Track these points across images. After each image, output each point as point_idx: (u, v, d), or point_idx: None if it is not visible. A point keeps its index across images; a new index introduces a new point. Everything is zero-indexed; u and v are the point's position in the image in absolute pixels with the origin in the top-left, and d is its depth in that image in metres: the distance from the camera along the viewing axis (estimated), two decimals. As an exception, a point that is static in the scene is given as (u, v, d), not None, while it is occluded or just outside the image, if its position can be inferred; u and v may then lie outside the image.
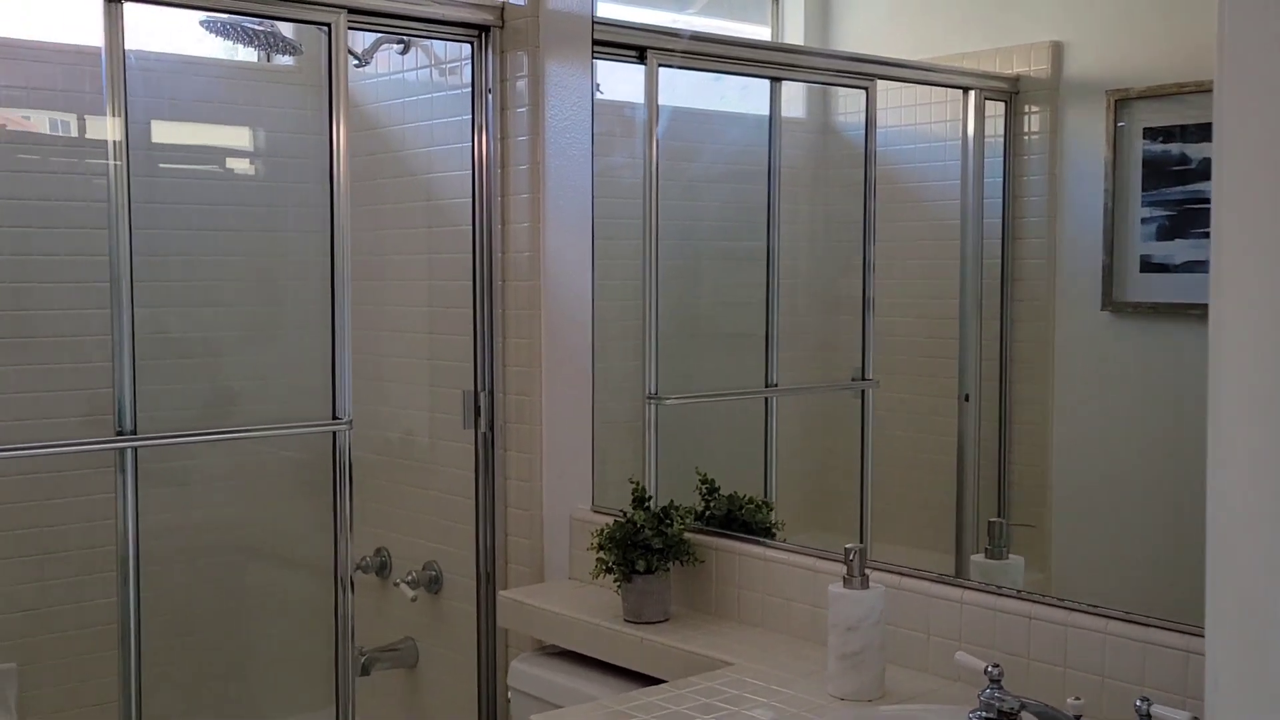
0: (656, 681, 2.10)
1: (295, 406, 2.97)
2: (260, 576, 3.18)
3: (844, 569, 1.89)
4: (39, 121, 2.94)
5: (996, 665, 1.71)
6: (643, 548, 2.27)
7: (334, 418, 2.52)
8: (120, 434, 2.37)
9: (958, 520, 2.22)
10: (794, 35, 2.57)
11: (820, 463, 2.60)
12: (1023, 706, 1.57)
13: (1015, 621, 1.86)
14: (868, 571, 1.89)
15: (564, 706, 2.05)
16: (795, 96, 2.67)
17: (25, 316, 2.89)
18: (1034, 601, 1.85)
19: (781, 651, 2.10)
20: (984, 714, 1.70)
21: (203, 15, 2.73)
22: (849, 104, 2.56)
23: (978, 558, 2.07)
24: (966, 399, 2.27)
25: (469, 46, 2.74)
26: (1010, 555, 2.05)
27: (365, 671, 2.96)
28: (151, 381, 2.87)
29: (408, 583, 2.95)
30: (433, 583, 2.96)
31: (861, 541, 2.30)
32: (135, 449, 2.41)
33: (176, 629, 2.98)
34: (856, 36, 2.45)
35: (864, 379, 2.40)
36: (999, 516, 2.14)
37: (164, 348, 3.03)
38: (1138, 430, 1.95)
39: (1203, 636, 1.65)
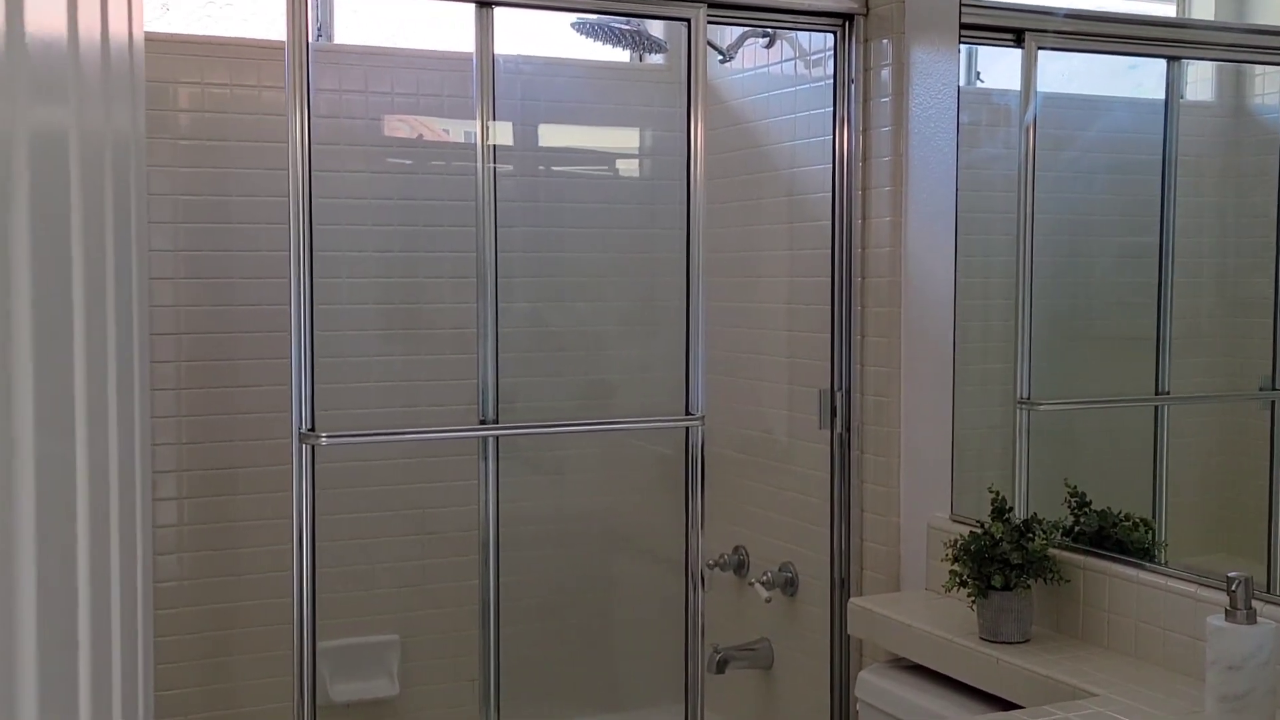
0: (1012, 706, 1.95)
1: (660, 401, 2.99)
2: (619, 567, 3.25)
3: (1226, 600, 1.68)
4: (433, 126, 3.12)
5: None
6: (1000, 562, 2.12)
7: (687, 413, 2.52)
8: (483, 423, 2.47)
9: None
10: (1203, 10, 2.33)
11: (1219, 480, 2.33)
12: None
13: None
14: (1255, 605, 1.67)
15: (907, 724, 1.94)
16: (1201, 77, 2.42)
17: (415, 310, 3.08)
18: None
19: (1154, 685, 1.90)
20: (1396, 780, 1.46)
21: (574, 18, 2.80)
22: (1268, 84, 2.29)
23: (1396, 596, 1.79)
24: None
25: (832, 36, 2.67)
26: None
27: (720, 669, 2.95)
28: (523, 373, 3.00)
29: (763, 583, 2.91)
30: (788, 585, 2.91)
31: (1270, 572, 2.04)
32: (497, 437, 2.51)
33: (536, 613, 3.09)
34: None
35: (1274, 389, 2.13)
36: None
37: (538, 341, 3.15)
38: None
39: None
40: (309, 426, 2.23)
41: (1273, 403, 2.12)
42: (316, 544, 2.29)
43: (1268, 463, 2.13)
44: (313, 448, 2.24)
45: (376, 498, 3.04)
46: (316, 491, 2.30)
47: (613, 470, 3.24)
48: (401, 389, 3.06)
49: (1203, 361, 2.34)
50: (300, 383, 2.22)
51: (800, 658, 2.89)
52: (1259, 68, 2.29)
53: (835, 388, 2.70)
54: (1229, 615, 1.67)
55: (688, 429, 2.55)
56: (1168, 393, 2.35)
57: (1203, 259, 2.36)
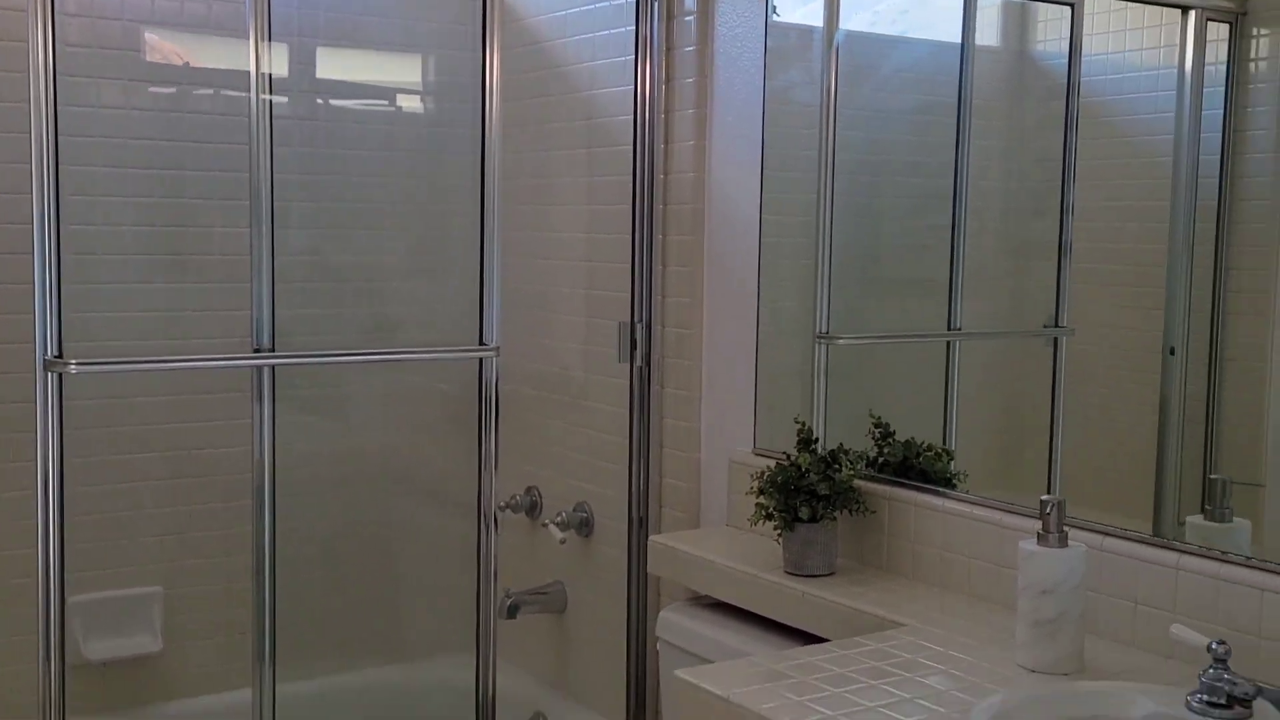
0: (818, 640, 1.89)
1: (450, 337, 2.84)
2: (405, 511, 3.08)
3: (1038, 525, 1.65)
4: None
5: (1222, 642, 1.45)
6: (807, 494, 2.06)
7: (480, 343, 2.38)
8: (258, 351, 2.27)
9: (1158, 483, 1.95)
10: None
11: (1006, 414, 2.35)
12: (1259, 692, 1.31)
13: (1243, 594, 1.60)
14: (1067, 528, 1.64)
15: (714, 662, 1.86)
16: (990, 22, 2.41)
17: (181, 234, 2.82)
18: (1270, 571, 1.59)
19: (961, 614, 1.87)
20: (1206, 698, 1.45)
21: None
22: (1050, 30, 2.28)
23: (1195, 519, 1.80)
24: (1172, 352, 2.00)
25: (633, -50, 2.54)
26: (1235, 519, 1.78)
27: (511, 614, 2.83)
28: (301, 305, 2.79)
29: (557, 524, 2.80)
30: (583, 525, 2.81)
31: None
32: (272, 369, 2.31)
33: (314, 561, 2.89)
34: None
35: (1057, 326, 2.14)
36: (1217, 474, 1.86)
37: (318, 272, 2.94)
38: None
39: None
40: (55, 353, 1.99)
41: (1056, 340, 2.14)
42: (66, 487, 2.06)
43: (1049, 398, 2.15)
44: (60, 377, 2.00)
45: (138, 438, 2.79)
46: (68, 431, 2.06)
47: (398, 410, 3.06)
48: (166, 320, 2.80)
49: (992, 301, 2.35)
50: (45, 304, 1.97)
51: (596, 600, 2.80)
52: (1040, 13, 2.29)
53: (635, 320, 2.60)
54: (1041, 539, 1.64)
55: (481, 360, 2.40)
56: (959, 329, 2.35)
57: (993, 201, 2.36)
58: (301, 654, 2.69)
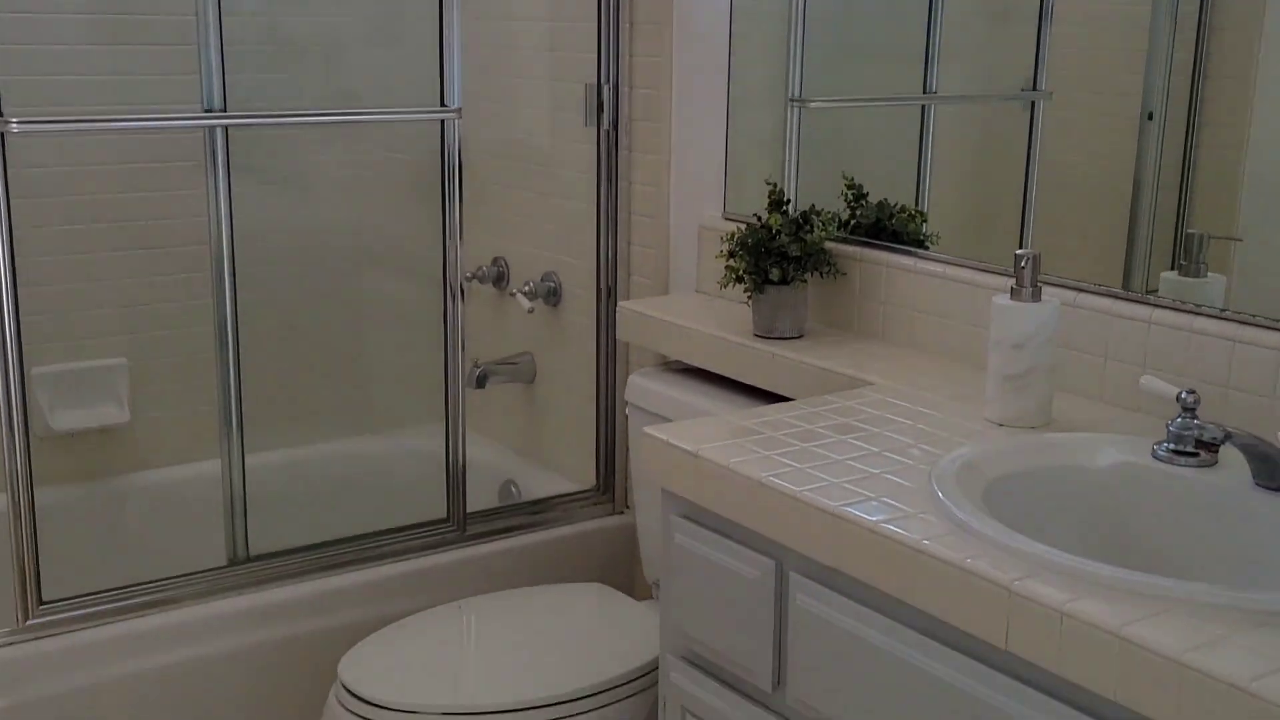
0: (786, 400, 1.89)
1: (410, 104, 2.73)
2: (370, 283, 3.03)
3: (1011, 281, 1.63)
4: None
5: (1192, 391, 1.45)
6: (778, 255, 2.02)
7: (441, 105, 2.29)
8: (209, 112, 2.18)
9: (1130, 241, 1.92)
10: None
11: (980, 178, 2.30)
12: (1227, 436, 1.31)
13: (1215, 345, 1.59)
14: (1041, 283, 1.62)
15: (684, 421, 1.85)
16: None
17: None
18: (1240, 323, 1.57)
19: (932, 373, 1.86)
20: (1173, 446, 1.45)
21: None
22: None
23: (1169, 275, 1.78)
24: (1150, 117, 1.94)
25: None
26: (1209, 274, 1.76)
27: (480, 384, 2.83)
28: (253, 70, 2.68)
29: (525, 293, 2.77)
30: (551, 294, 2.78)
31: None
32: (226, 131, 2.22)
33: (279, 333, 2.85)
34: None
35: (1035, 90, 2.07)
36: (1193, 229, 1.83)
37: (269, 36, 2.82)
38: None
39: None
40: (-4, 112, 1.90)
41: (1033, 104, 2.07)
42: (19, 256, 2.00)
43: (1024, 160, 2.10)
44: (2, 136, 1.92)
45: (92, 208, 2.71)
46: (18, 199, 1.98)
47: (359, 181, 2.98)
48: (113, 85, 2.69)
49: (969, 66, 2.27)
50: (-20, 58, 1.87)
51: (565, 369, 2.79)
52: None
53: (602, 81, 2.51)
54: (1014, 294, 1.62)
55: (443, 123, 2.32)
56: (935, 92, 2.28)
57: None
58: (270, 425, 2.68)
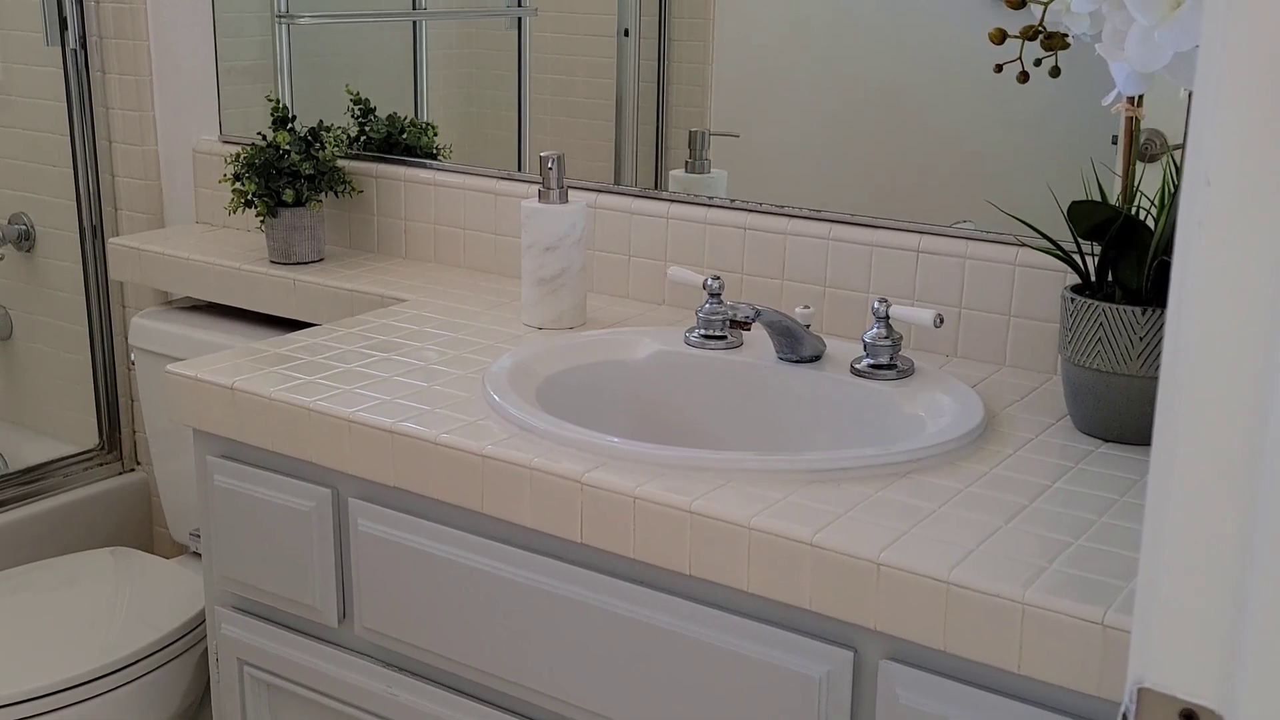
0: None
1: None
2: None
3: (538, 184, 1.63)
4: None
5: (716, 277, 1.53)
6: (289, 175, 1.91)
7: None
8: None
9: (617, 150, 2.00)
10: None
11: (475, 95, 2.29)
12: (758, 314, 1.39)
13: (728, 235, 1.67)
14: (567, 183, 1.63)
15: (206, 358, 1.71)
16: None
17: None
18: (748, 210, 1.67)
19: (463, 286, 1.84)
20: (703, 331, 1.52)
21: None
22: None
23: (678, 172, 1.85)
24: (626, 34, 2.02)
25: None
26: (714, 170, 1.85)
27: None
28: None
29: (-9, 239, 2.45)
30: (23, 239, 2.47)
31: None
32: None
33: None
34: None
35: (520, 6, 2.09)
36: (699, 128, 1.92)
37: None
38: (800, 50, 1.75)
39: (932, 234, 1.53)
40: None
41: (520, 20, 2.10)
42: None
43: (516, 75, 2.12)
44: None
45: None
46: None
47: None
48: None
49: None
50: None
51: (48, 320, 2.50)
52: None
53: (66, -7, 2.24)
54: (542, 196, 1.62)
55: None
56: (424, 9, 2.24)
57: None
58: None
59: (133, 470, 2.46)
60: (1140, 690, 0.61)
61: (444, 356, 1.51)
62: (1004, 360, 1.51)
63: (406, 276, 1.88)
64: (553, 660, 1.24)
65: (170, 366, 1.48)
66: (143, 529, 2.43)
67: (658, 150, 1.92)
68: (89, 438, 2.44)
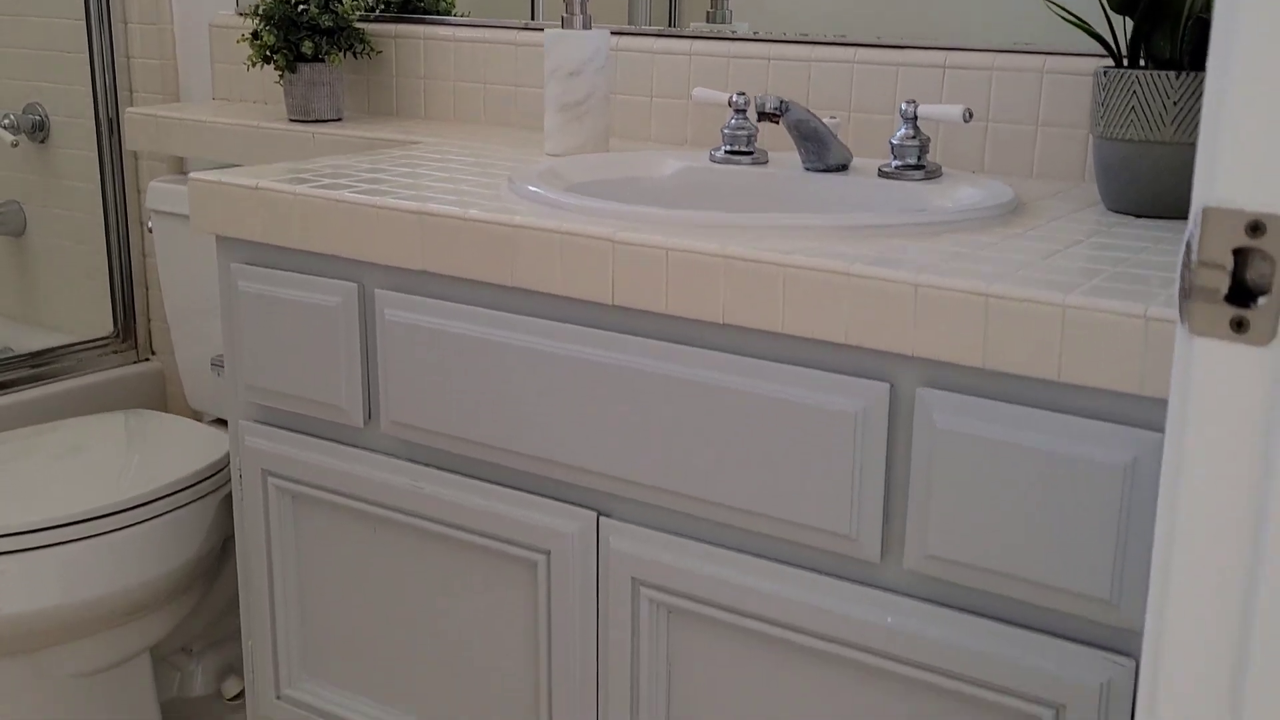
0: (335, 174, 1.79)
1: None
2: None
3: (561, 16, 1.63)
4: None
5: (741, 93, 1.52)
6: (309, 29, 1.91)
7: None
8: None
9: (629, 12, 1.98)
10: None
11: None
12: (786, 108, 1.38)
13: (752, 67, 1.67)
14: (590, 12, 1.63)
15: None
16: None
17: None
18: (772, 41, 1.67)
19: (485, 133, 1.83)
20: (729, 147, 1.52)
21: None
22: None
23: (698, 24, 1.85)
24: None
25: None
26: (734, 21, 1.84)
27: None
28: None
29: (6, 127, 2.44)
30: (37, 130, 2.47)
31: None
32: None
33: None
34: None
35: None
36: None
37: None
38: None
39: (959, 50, 1.52)
40: None
41: None
42: None
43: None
44: None
45: None
46: None
47: None
48: None
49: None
50: None
51: (62, 214, 2.50)
52: None
53: None
54: (566, 23, 1.62)
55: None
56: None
57: None
58: None
59: (147, 360, 2.45)
60: (1205, 210, 0.60)
61: (473, 170, 1.51)
62: (1032, 172, 1.50)
63: (428, 131, 1.88)
64: (586, 431, 1.23)
65: (194, 174, 1.47)
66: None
67: (672, 4, 1.92)
68: (104, 330, 2.43)
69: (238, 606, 1.95)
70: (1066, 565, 1.00)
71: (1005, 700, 1.06)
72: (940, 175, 1.41)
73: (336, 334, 1.39)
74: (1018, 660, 1.04)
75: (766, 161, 1.52)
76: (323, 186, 1.39)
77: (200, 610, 1.98)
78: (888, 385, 1.07)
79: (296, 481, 1.47)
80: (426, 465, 1.38)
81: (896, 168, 1.42)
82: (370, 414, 1.41)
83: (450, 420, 1.33)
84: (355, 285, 1.38)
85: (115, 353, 2.42)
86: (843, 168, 1.47)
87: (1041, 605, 1.03)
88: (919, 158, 1.41)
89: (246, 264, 1.46)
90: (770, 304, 1.10)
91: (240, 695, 2.01)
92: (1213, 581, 0.60)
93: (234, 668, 2.05)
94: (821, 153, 1.46)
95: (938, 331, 1.02)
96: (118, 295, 2.42)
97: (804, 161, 1.47)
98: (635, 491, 1.22)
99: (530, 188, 1.32)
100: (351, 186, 1.39)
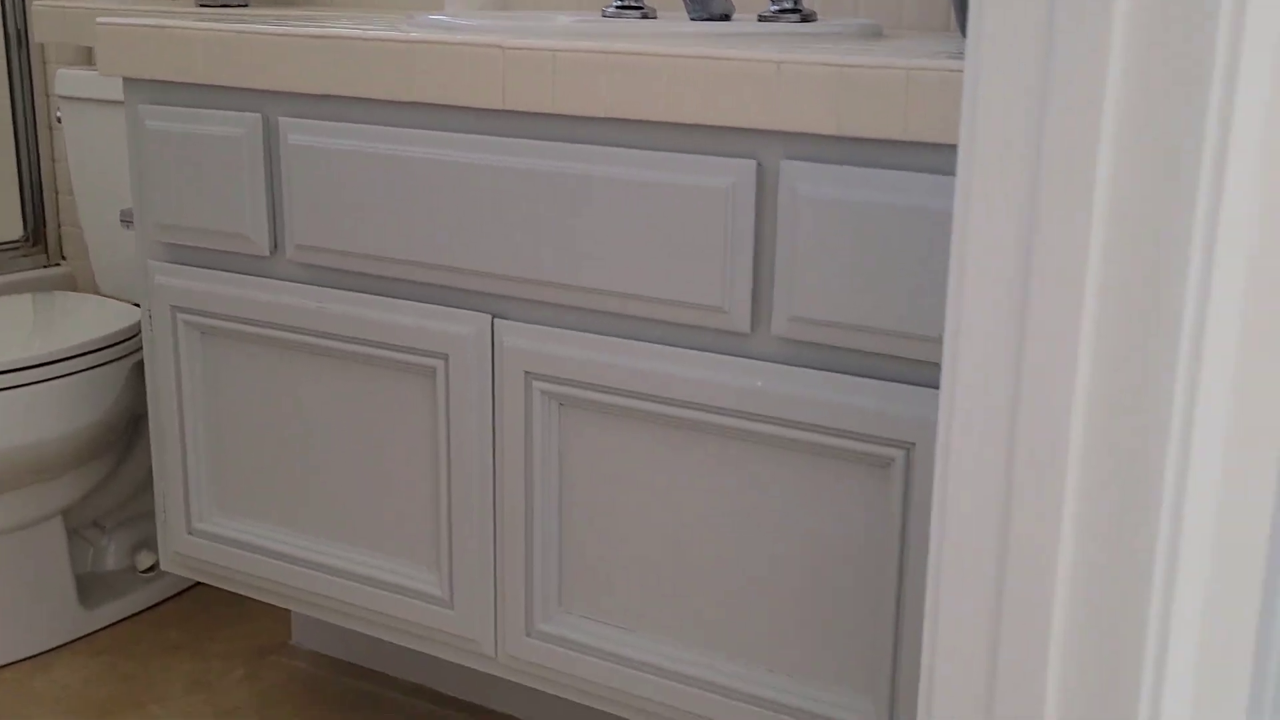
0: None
1: None
2: None
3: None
4: None
5: (632, -49, 1.60)
6: (216, -87, 1.96)
7: None
8: None
9: None
10: None
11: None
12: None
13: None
14: (487, -119, 1.70)
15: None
16: None
17: None
18: (663, -89, 1.75)
19: (390, 13, 1.90)
20: (619, 3, 1.60)
21: None
22: None
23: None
24: None
25: None
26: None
27: None
28: None
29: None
30: (-55, 37, 2.48)
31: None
32: None
33: None
34: None
35: None
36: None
37: None
38: None
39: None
40: None
41: None
42: None
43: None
44: None
45: None
46: None
47: None
48: None
49: None
50: None
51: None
52: None
53: None
54: (465, -109, 1.69)
55: None
56: None
57: None
58: None
59: (58, 265, 2.48)
60: None
61: (372, 22, 1.57)
62: (901, 21, 1.60)
63: (336, 12, 1.93)
64: (482, 235, 1.31)
65: (100, 18, 1.52)
66: (68, 320, 2.45)
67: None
68: (15, 235, 2.45)
69: (151, 486, 2.00)
70: (917, 313, 1.10)
71: (864, 446, 1.15)
72: (815, 19, 1.51)
73: (241, 164, 1.45)
74: (875, 408, 1.14)
75: (655, 17, 1.61)
76: (229, 22, 1.45)
77: (112, 483, 2.02)
78: (754, 161, 1.16)
79: (206, 314, 1.53)
80: (331, 287, 1.44)
81: (774, 13, 1.51)
82: (276, 243, 1.47)
83: (352, 238, 1.39)
84: (259, 115, 1.44)
85: (25, 256, 2.45)
86: (726, 17, 1.56)
87: (896, 355, 1.13)
88: (795, 2, 1.50)
89: (153, 104, 1.51)
90: (652, 94, 1.18)
91: (154, 567, 2.05)
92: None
93: (148, 543, 2.09)
94: (705, 3, 1.55)
95: (799, 106, 1.11)
96: (27, 200, 2.44)
97: (690, 13, 1.56)
98: (528, 290, 1.30)
99: (428, 17, 1.40)
100: (258, 23, 1.45)
